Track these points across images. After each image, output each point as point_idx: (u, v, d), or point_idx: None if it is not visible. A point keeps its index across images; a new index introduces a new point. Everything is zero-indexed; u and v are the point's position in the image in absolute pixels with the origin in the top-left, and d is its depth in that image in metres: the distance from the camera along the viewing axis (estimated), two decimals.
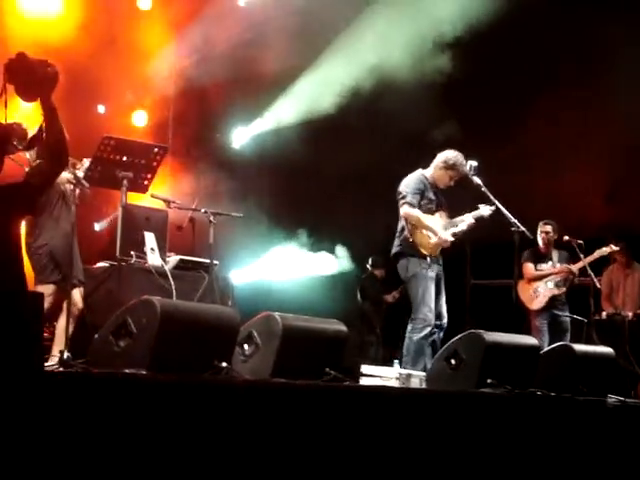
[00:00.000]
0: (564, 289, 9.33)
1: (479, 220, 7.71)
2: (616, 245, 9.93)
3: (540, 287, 9.36)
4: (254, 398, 4.23)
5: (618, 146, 10.62)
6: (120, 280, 6.27)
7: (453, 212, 7.77)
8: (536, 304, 9.29)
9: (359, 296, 11.99)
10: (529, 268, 9.36)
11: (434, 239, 7.47)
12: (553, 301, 9.29)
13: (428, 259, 7.47)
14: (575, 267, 9.27)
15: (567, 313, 9.31)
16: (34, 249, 6.67)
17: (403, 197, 7.54)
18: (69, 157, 6.41)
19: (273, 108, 11.26)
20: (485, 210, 7.68)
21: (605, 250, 9.39)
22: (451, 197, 7.82)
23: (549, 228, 9.41)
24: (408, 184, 7.61)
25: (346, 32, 10.36)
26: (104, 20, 9.76)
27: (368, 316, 11.86)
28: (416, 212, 7.49)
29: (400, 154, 10.16)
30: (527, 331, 8.87)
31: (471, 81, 10.32)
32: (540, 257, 9.47)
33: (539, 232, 9.39)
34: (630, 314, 9.94)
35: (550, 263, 9.44)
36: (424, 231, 7.49)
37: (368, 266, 12.11)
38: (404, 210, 7.51)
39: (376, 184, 9.61)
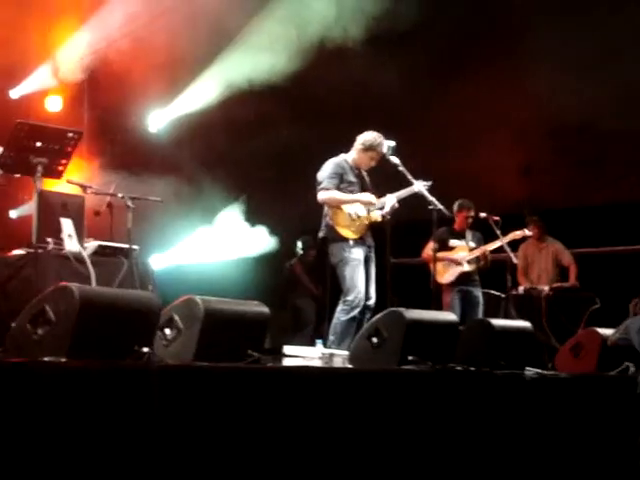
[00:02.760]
0: (474, 266, 9.40)
1: (400, 199, 7.76)
2: (530, 222, 10.10)
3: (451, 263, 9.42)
4: (176, 382, 4.22)
5: (532, 123, 10.80)
6: (37, 267, 6.15)
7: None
8: (445, 278, 9.35)
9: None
10: (427, 247, 9.26)
11: (357, 212, 7.50)
12: (463, 277, 9.37)
13: (351, 242, 7.52)
14: (488, 248, 9.36)
15: (479, 289, 9.41)
16: None
17: (319, 184, 7.62)
18: None
19: (189, 91, 11.18)
20: (419, 185, 7.64)
21: (518, 234, 9.46)
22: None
23: (473, 213, 9.45)
24: (323, 170, 7.69)
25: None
26: (15, 2, 9.58)
27: (318, 295, 11.58)
28: (330, 193, 7.55)
29: (321, 133, 10.21)
30: (439, 307, 8.93)
31: (387, 63, 10.36)
32: (454, 235, 9.52)
33: (461, 214, 9.42)
34: (546, 288, 10.10)
35: (463, 241, 9.51)
36: (346, 209, 7.53)
37: (299, 249, 11.82)
38: (319, 196, 7.60)
39: (295, 164, 9.61)
